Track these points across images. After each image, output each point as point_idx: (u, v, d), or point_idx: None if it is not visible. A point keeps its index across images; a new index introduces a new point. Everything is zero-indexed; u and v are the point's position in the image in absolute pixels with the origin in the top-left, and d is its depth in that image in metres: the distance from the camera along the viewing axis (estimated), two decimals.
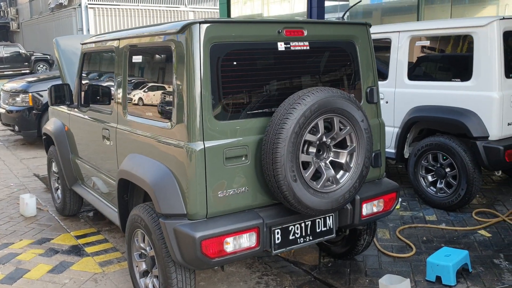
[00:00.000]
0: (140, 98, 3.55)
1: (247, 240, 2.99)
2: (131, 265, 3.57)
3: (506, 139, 4.91)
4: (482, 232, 4.68)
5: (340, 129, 3.10)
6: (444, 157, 5.19)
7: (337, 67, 3.49)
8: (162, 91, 3.27)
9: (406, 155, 5.67)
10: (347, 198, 3.17)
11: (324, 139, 3.06)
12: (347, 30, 3.49)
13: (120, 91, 3.70)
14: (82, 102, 4.44)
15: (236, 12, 13.90)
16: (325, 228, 3.38)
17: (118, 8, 25.71)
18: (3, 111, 9.30)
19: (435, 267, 3.75)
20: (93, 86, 4.17)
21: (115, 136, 3.77)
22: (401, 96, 5.61)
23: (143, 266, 3.46)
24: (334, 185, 3.13)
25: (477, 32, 4.91)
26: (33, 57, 25.62)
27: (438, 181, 5.31)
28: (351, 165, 3.17)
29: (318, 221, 3.34)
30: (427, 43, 5.48)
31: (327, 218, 3.38)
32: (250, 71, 3.08)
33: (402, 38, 5.61)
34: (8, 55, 25.27)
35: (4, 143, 9.97)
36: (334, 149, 3.14)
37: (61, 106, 5.14)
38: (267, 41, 3.11)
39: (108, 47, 3.98)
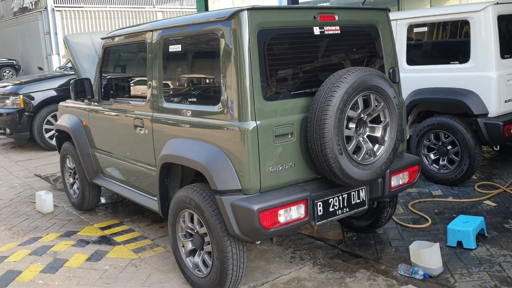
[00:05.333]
0: (180, 85, 3.70)
1: (296, 212, 3.21)
2: (175, 246, 3.72)
3: (504, 115, 5.29)
4: (488, 202, 5.03)
5: (376, 106, 3.35)
6: (446, 136, 5.53)
7: (363, 49, 3.74)
8: (206, 76, 3.44)
9: (407, 136, 5.98)
10: (383, 169, 3.43)
11: (362, 115, 3.31)
12: (370, 15, 3.75)
13: (155, 80, 3.83)
14: (109, 95, 4.51)
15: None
16: (359, 200, 3.63)
17: (85, 11, 25.37)
18: None
19: (456, 233, 4.05)
20: (121, 79, 4.28)
21: (150, 124, 3.91)
22: (401, 80, 5.89)
23: (190, 246, 3.62)
24: (372, 158, 3.38)
25: (473, 17, 5.26)
26: None
27: (441, 159, 5.65)
28: (386, 139, 3.43)
29: (353, 194, 3.58)
30: (424, 29, 5.80)
31: (360, 190, 3.62)
32: (292, 54, 3.30)
33: (400, 26, 5.91)
34: None
35: None
36: (370, 125, 3.39)
37: (75, 102, 5.22)
38: (305, 26, 3.33)
39: (138, 40, 4.10)
